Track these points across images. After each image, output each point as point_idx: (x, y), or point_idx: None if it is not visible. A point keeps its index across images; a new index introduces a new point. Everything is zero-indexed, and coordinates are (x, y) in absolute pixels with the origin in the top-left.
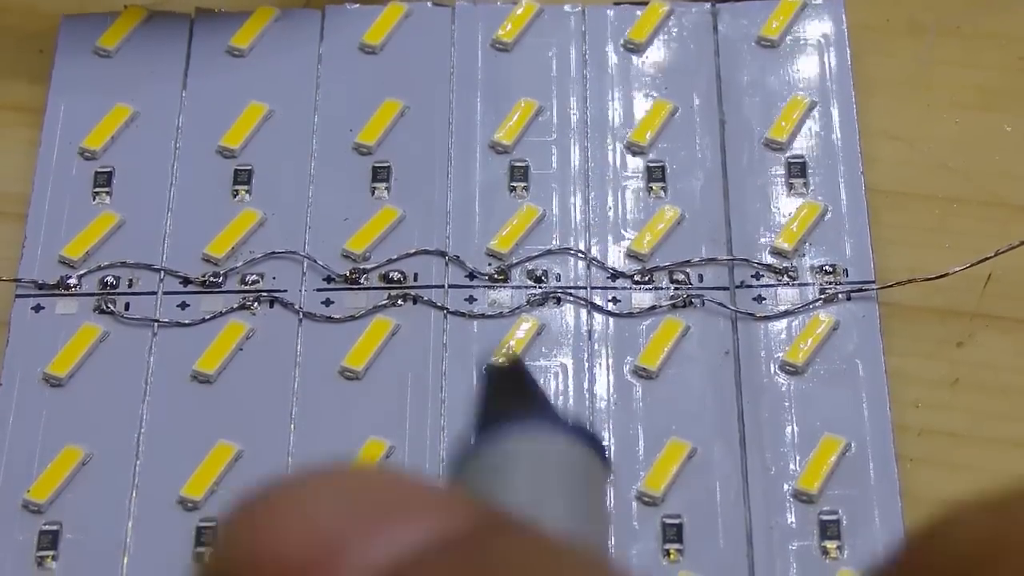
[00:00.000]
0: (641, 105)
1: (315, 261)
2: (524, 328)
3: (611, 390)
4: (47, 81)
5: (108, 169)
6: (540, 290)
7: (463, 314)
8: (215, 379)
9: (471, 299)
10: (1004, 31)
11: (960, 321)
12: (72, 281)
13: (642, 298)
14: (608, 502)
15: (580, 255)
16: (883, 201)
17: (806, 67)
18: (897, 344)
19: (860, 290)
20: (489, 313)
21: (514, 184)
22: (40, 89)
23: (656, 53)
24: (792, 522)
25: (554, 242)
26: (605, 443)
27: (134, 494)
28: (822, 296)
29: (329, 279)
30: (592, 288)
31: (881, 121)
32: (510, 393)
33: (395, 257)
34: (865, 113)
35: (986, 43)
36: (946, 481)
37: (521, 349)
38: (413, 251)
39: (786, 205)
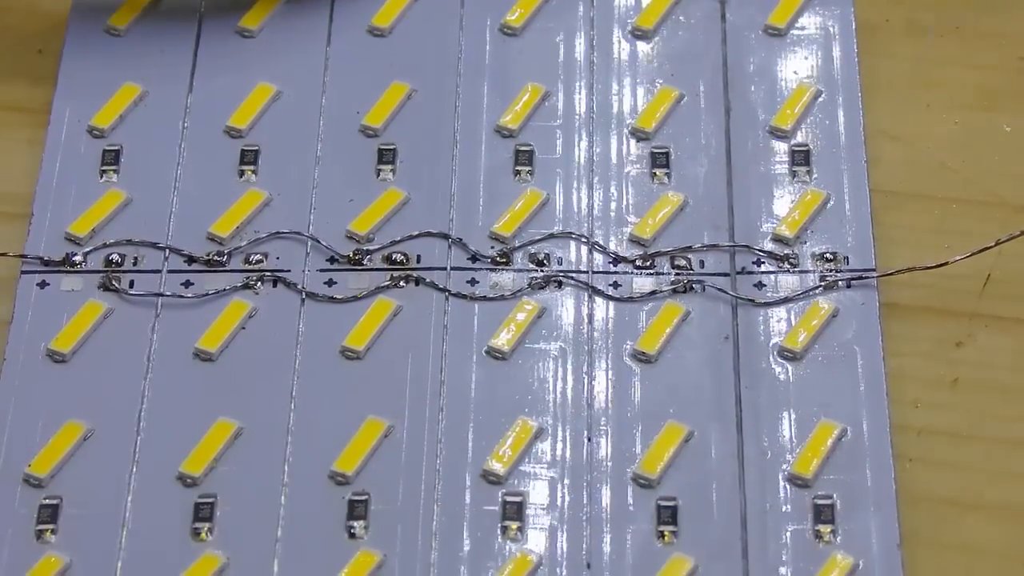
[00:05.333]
0: (647, 91)
1: (319, 242)
2: (525, 311)
3: (609, 373)
4: (47, 81)
5: (116, 147)
6: (542, 274)
7: (464, 296)
8: (217, 357)
9: (473, 281)
10: (1003, 31)
11: (959, 321)
12: (78, 258)
13: (643, 283)
14: None
15: (582, 239)
16: (883, 201)
17: (812, 55)
18: (897, 344)
19: (860, 278)
20: (490, 296)
21: (519, 168)
22: (40, 90)
23: (663, 40)
24: (787, 506)
25: (557, 226)
26: None
27: (134, 469)
28: (822, 283)
29: (332, 259)
30: (593, 272)
31: (881, 121)
32: None
33: (398, 239)
34: (865, 113)
35: (985, 43)
36: (945, 481)
37: (521, 332)
38: (416, 233)
39: (789, 192)
